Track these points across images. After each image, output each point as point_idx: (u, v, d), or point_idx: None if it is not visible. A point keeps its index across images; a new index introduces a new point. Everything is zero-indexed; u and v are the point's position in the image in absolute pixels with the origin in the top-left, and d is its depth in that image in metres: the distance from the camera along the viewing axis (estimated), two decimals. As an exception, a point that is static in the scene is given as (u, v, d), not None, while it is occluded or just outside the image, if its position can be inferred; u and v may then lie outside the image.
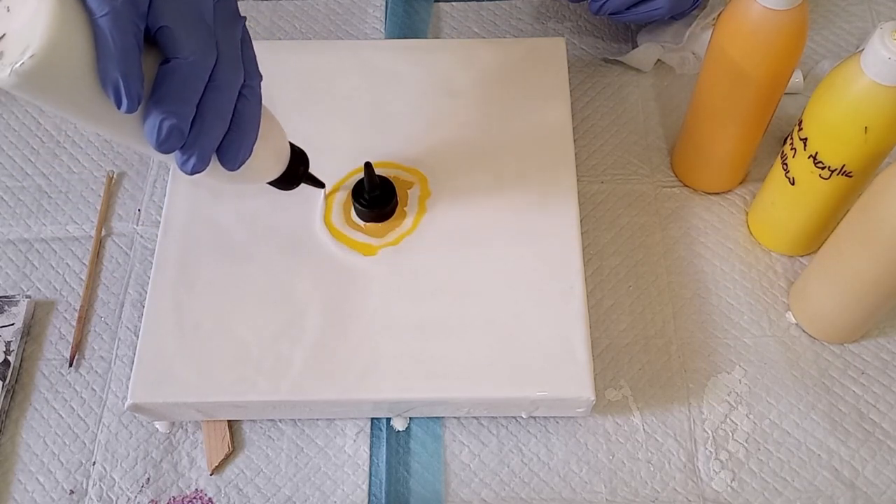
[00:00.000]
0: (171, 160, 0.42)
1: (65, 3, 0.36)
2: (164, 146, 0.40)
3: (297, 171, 0.53)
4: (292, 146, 0.52)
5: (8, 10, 0.37)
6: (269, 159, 0.50)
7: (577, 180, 0.61)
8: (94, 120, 0.40)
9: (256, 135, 0.45)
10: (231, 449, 0.57)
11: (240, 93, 0.42)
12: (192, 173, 0.42)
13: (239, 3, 0.78)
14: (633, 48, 0.73)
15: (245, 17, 0.44)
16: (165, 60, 0.39)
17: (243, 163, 0.44)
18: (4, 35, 0.36)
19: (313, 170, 0.55)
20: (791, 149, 0.56)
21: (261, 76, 0.45)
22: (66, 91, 0.38)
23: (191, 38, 0.39)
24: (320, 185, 0.57)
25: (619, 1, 0.65)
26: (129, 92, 0.37)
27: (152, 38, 0.39)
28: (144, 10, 0.38)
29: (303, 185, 0.55)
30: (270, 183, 0.52)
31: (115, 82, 0.37)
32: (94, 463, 0.57)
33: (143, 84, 0.38)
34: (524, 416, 0.57)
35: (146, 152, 0.43)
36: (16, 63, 0.35)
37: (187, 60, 0.39)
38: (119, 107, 0.38)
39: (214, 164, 0.44)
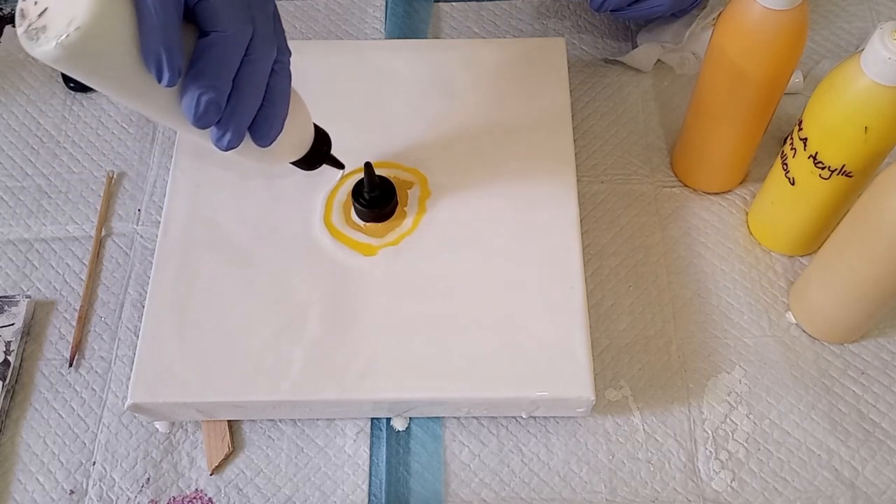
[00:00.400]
0: (205, 137, 0.42)
1: None
2: (201, 121, 0.40)
3: (320, 151, 0.53)
4: (315, 126, 0.52)
5: None
6: (296, 137, 0.50)
7: (577, 180, 0.61)
8: (132, 94, 0.40)
9: (287, 110, 0.45)
10: (231, 449, 0.57)
11: (272, 68, 0.43)
12: (227, 149, 0.42)
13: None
14: (633, 48, 0.73)
15: None
16: (203, 34, 0.39)
17: (275, 139, 0.44)
18: (46, 9, 0.36)
19: (316, 170, 0.55)
20: (791, 149, 0.56)
21: (290, 52, 0.45)
22: (107, 64, 0.38)
23: (230, 11, 0.39)
24: (340, 165, 0.56)
25: None
26: (170, 65, 0.37)
27: (190, 12, 0.39)
28: None
29: (316, 175, 0.55)
30: (294, 163, 0.52)
31: (158, 55, 0.37)
32: (94, 463, 0.57)
33: (184, 57, 0.38)
34: (524, 416, 0.57)
35: (181, 129, 0.43)
36: (61, 35, 0.35)
37: (226, 33, 0.39)
38: (160, 80, 0.38)
39: (246, 140, 0.44)
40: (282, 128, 0.45)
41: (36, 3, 0.36)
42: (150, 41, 0.37)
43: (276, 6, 0.44)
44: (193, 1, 0.39)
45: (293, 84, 0.47)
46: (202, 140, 0.44)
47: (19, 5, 0.37)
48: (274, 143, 0.45)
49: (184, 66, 0.38)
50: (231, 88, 0.41)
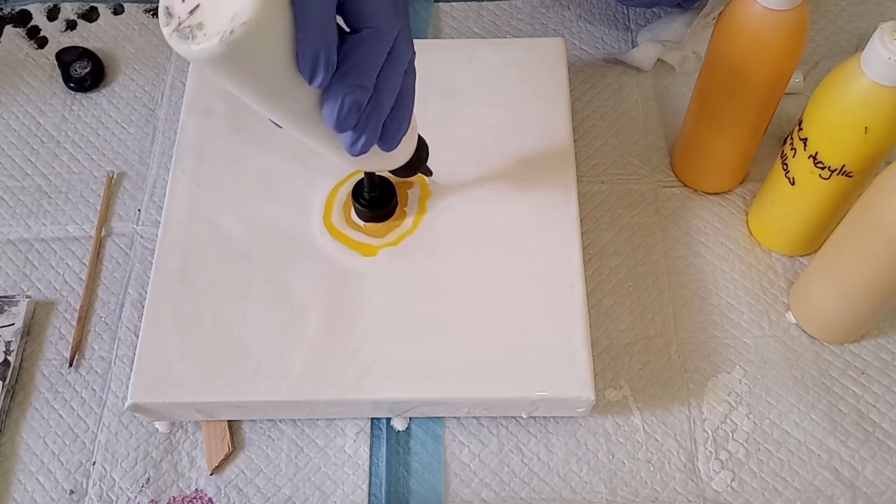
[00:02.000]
0: (328, 143, 0.40)
1: None
2: (342, 124, 0.38)
3: (420, 156, 0.51)
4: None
5: None
6: (409, 140, 0.48)
7: (577, 180, 0.61)
8: (274, 98, 0.38)
9: (412, 110, 0.43)
10: (231, 449, 0.57)
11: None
12: (360, 153, 0.40)
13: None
14: (633, 47, 0.73)
15: None
16: (354, 31, 0.38)
17: (400, 141, 0.42)
18: (198, 6, 0.34)
19: (316, 170, 0.55)
20: (791, 149, 0.56)
21: (415, 50, 0.43)
22: (261, 63, 0.36)
23: (381, 6, 0.38)
24: (429, 172, 0.55)
25: None
26: (327, 63, 0.36)
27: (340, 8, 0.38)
28: None
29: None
30: (392, 170, 0.51)
31: (316, 53, 0.35)
32: (94, 463, 0.57)
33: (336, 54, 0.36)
34: (524, 416, 0.57)
35: (307, 133, 0.40)
36: (225, 31, 0.33)
37: (379, 30, 0.37)
38: (313, 79, 0.36)
39: None
40: (407, 129, 0.43)
41: (194, 9, 0.34)
42: (308, 38, 0.35)
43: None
44: None
45: None
46: (327, 146, 0.41)
47: (162, 4, 0.35)
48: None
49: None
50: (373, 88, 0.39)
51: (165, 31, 0.34)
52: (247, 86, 0.37)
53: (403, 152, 0.49)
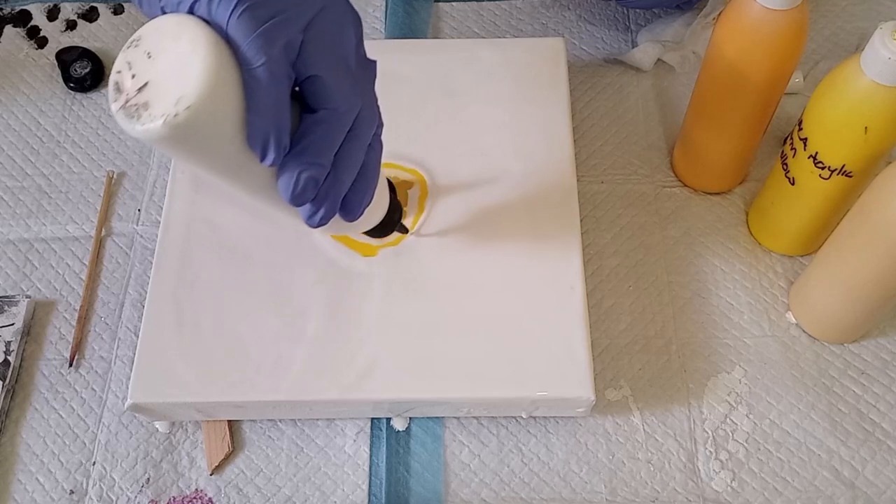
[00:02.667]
0: (292, 213, 0.40)
1: (218, 50, 0.34)
2: (298, 199, 0.38)
3: (392, 218, 0.51)
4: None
5: (149, 57, 0.34)
6: (376, 206, 0.48)
7: (577, 180, 0.61)
8: (227, 173, 0.38)
9: (376, 183, 0.43)
10: (231, 449, 0.57)
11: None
12: (319, 226, 0.40)
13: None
14: (633, 48, 0.73)
15: (376, 61, 0.42)
16: (311, 110, 0.37)
17: (364, 212, 0.42)
18: (147, 84, 0.34)
19: None
20: (791, 149, 0.56)
21: (383, 122, 0.43)
22: (211, 143, 0.35)
23: (340, 87, 0.37)
24: (405, 230, 0.57)
25: None
26: (277, 144, 0.36)
27: (297, 87, 0.37)
28: (294, 59, 0.36)
29: None
30: (364, 231, 0.51)
31: (265, 135, 0.35)
32: (94, 463, 0.57)
33: (290, 135, 0.36)
34: (524, 416, 0.57)
35: (269, 205, 0.40)
36: (169, 114, 0.33)
37: (337, 111, 0.37)
38: (264, 159, 0.36)
39: None
40: (370, 201, 0.42)
41: (134, 76, 0.34)
42: (259, 121, 0.35)
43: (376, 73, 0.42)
44: (303, 76, 0.37)
45: None
46: (287, 216, 0.41)
47: (112, 77, 0.35)
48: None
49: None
50: (331, 165, 0.39)
51: (113, 106, 0.34)
52: (198, 162, 0.37)
53: (371, 219, 0.49)
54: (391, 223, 0.52)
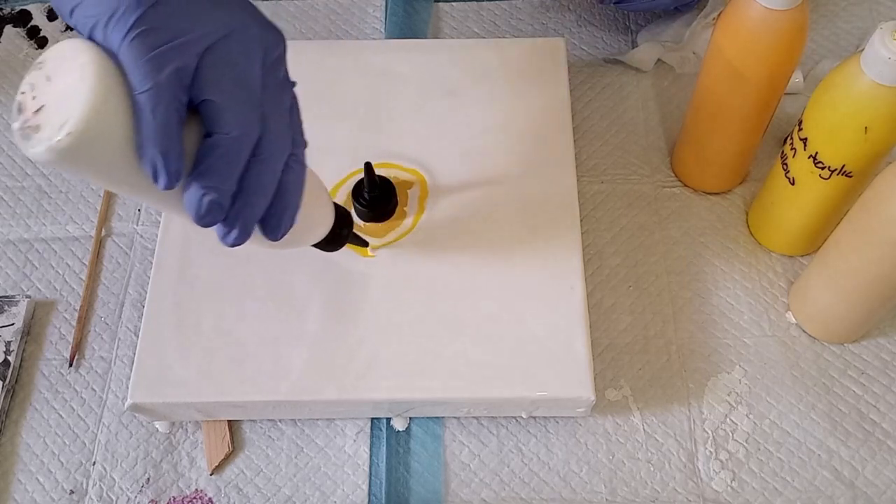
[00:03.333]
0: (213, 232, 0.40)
1: (106, 75, 0.34)
2: (203, 220, 0.38)
3: (339, 233, 0.51)
4: (336, 207, 0.51)
5: (48, 80, 0.35)
6: (312, 225, 0.48)
7: (577, 180, 0.61)
8: (134, 192, 0.38)
9: (299, 204, 0.42)
10: (231, 449, 0.57)
11: (286, 163, 0.40)
12: (233, 245, 0.40)
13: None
14: (634, 48, 0.73)
15: (295, 83, 0.42)
16: (208, 134, 0.38)
17: (286, 233, 0.42)
18: (42, 107, 0.34)
19: (316, 171, 0.54)
20: (791, 149, 0.56)
21: (306, 143, 0.42)
22: (103, 165, 0.36)
23: (234, 111, 0.37)
24: (364, 243, 0.56)
25: None
26: (167, 170, 0.36)
27: (195, 109, 0.38)
28: (188, 83, 0.36)
29: None
30: (314, 245, 0.51)
31: (153, 160, 0.35)
32: (94, 463, 0.57)
33: (184, 160, 0.36)
34: (524, 416, 0.57)
35: (186, 221, 0.40)
36: (52, 139, 0.33)
37: (229, 136, 0.37)
38: (157, 183, 0.36)
39: (256, 232, 0.41)
40: (293, 222, 0.42)
41: (34, 97, 0.34)
42: (146, 145, 0.35)
43: (294, 96, 0.42)
44: (198, 100, 0.37)
45: (315, 167, 0.45)
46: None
47: (18, 98, 0.35)
48: (286, 236, 0.43)
49: (185, 167, 0.36)
50: (238, 187, 0.38)
51: (14, 125, 0.35)
52: (101, 183, 0.38)
53: (309, 235, 0.49)
54: (339, 238, 0.51)
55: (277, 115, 0.40)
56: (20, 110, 0.35)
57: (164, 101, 0.35)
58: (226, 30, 0.37)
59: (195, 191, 0.37)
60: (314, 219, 0.48)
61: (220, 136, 0.37)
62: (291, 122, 0.41)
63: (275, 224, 0.41)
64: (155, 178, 0.36)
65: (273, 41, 0.40)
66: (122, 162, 0.36)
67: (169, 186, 0.36)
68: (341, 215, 0.51)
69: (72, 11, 0.37)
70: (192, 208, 0.38)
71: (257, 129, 0.38)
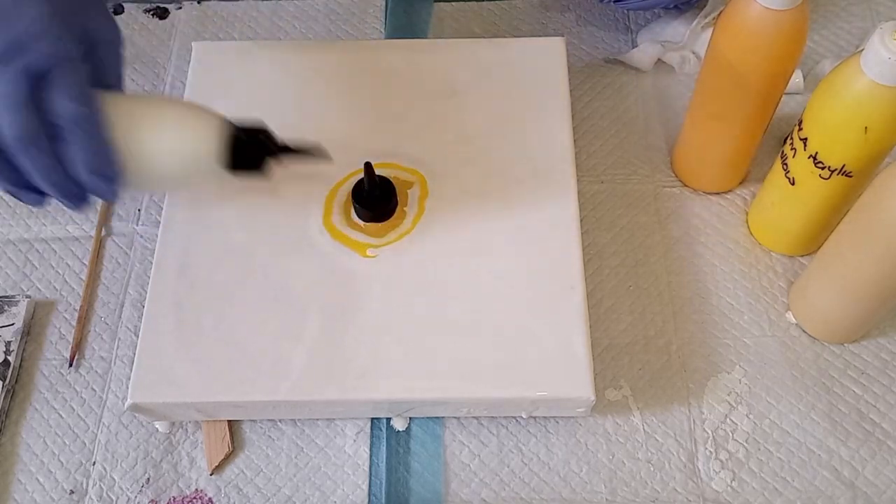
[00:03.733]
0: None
1: None
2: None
3: (253, 155, 0.46)
4: (238, 126, 0.46)
5: None
6: (168, 157, 0.45)
7: (577, 180, 0.61)
8: None
9: (105, 155, 0.43)
10: (231, 449, 0.57)
11: (58, 135, 0.42)
12: (35, 206, 0.45)
13: (239, 4, 0.78)
14: (634, 48, 0.73)
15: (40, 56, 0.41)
16: None
17: (114, 179, 0.43)
18: None
19: (316, 171, 0.54)
20: (791, 149, 0.56)
21: (92, 111, 0.43)
22: None
23: None
24: (321, 156, 0.49)
25: None
26: None
27: None
28: None
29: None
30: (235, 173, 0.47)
31: None
32: (94, 463, 0.57)
33: None
34: (524, 416, 0.57)
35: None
36: None
37: None
38: None
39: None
40: (114, 164, 0.43)
41: None
42: None
43: (69, 76, 0.42)
44: None
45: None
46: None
47: None
48: (138, 175, 0.44)
49: None
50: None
51: None
52: None
53: (174, 166, 0.45)
54: (253, 157, 0.46)
55: None
56: None
57: None
58: None
59: None
60: (167, 151, 0.45)
61: None
62: (55, 111, 0.42)
63: (95, 188, 0.44)
64: None
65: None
66: None
67: None
68: (248, 132, 0.46)
69: None
70: None
71: None
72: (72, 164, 0.43)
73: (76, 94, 0.42)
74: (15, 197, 0.44)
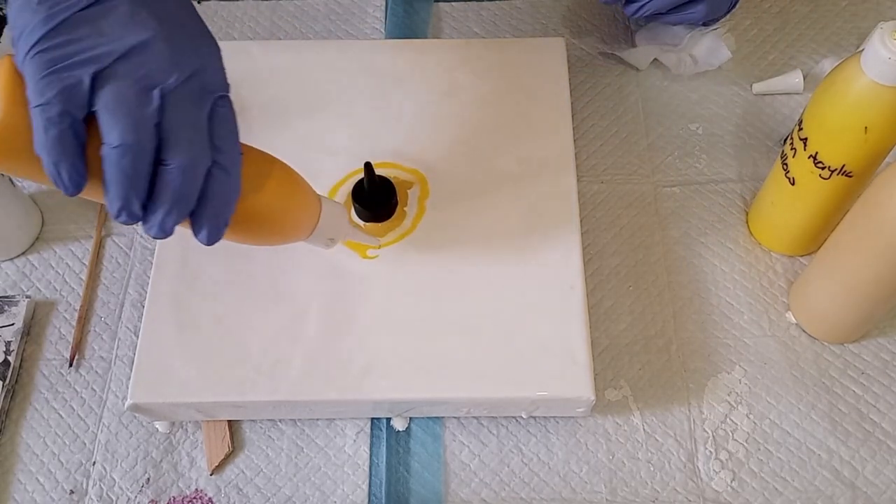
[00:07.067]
0: None
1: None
2: (119, 220, 0.40)
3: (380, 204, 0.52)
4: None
5: None
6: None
7: (577, 180, 0.61)
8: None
9: (227, 213, 0.43)
10: (231, 449, 0.57)
11: (209, 171, 0.41)
12: (156, 238, 0.42)
13: (239, 4, 0.78)
14: (632, 48, 0.73)
15: (222, 94, 0.42)
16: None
17: (215, 241, 0.43)
18: None
19: (316, 171, 0.54)
20: (791, 149, 0.56)
21: (239, 153, 0.43)
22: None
23: (119, 123, 0.38)
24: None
25: (659, 4, 0.63)
26: (62, 179, 0.38)
27: None
28: (83, 98, 0.38)
29: None
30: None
31: (50, 170, 0.38)
32: (94, 463, 0.57)
33: (83, 170, 0.38)
34: (524, 416, 0.57)
35: None
36: None
37: (112, 146, 0.38)
38: (62, 190, 0.38)
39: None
40: (223, 230, 0.43)
41: None
42: (42, 157, 0.37)
43: (226, 107, 0.43)
44: (93, 110, 0.38)
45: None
46: None
47: None
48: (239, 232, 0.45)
49: (85, 175, 0.38)
50: (149, 193, 0.40)
51: None
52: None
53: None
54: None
55: (185, 126, 0.40)
56: None
57: (51, 117, 0.37)
58: (128, 46, 0.39)
59: (106, 194, 0.39)
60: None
61: (105, 147, 0.38)
62: (213, 132, 0.42)
63: (200, 229, 0.42)
64: (57, 186, 0.38)
65: (186, 56, 0.41)
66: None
67: (70, 194, 0.38)
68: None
69: (10, 23, 0.40)
70: (108, 208, 0.40)
71: (149, 140, 0.39)
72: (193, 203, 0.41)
73: (236, 134, 0.43)
74: (59, 174, 0.39)
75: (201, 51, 0.42)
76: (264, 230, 0.47)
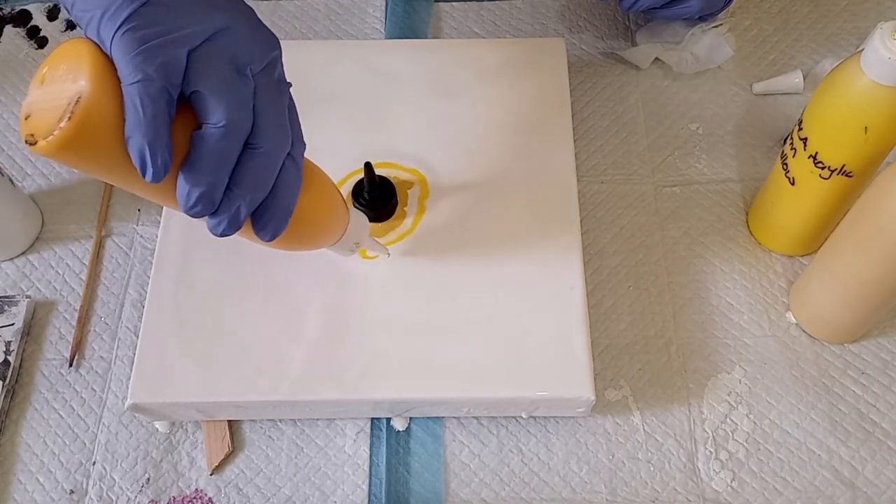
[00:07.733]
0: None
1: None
2: (192, 212, 0.39)
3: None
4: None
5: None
6: (320, 229, 0.48)
7: (577, 180, 0.61)
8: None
9: (293, 205, 0.42)
10: (231, 449, 0.57)
11: (283, 162, 0.41)
12: (221, 236, 0.40)
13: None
14: (633, 46, 0.73)
15: (291, 84, 0.42)
16: (199, 126, 0.38)
17: (277, 235, 0.42)
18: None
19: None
20: (791, 149, 0.56)
21: (304, 145, 0.43)
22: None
23: (223, 102, 0.38)
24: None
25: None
26: (154, 161, 0.36)
27: (188, 102, 0.38)
28: (179, 76, 0.37)
29: None
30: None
31: (141, 151, 0.36)
32: (94, 463, 0.57)
33: (171, 153, 0.37)
34: (524, 416, 0.57)
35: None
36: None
37: (216, 125, 0.37)
38: (144, 175, 0.37)
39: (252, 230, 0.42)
40: (285, 223, 0.42)
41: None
42: (134, 137, 0.36)
43: (291, 99, 0.42)
44: (188, 91, 0.37)
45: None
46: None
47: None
48: (291, 235, 0.43)
49: (172, 159, 0.37)
50: (229, 180, 0.39)
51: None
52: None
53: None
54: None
55: (273, 111, 0.40)
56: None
57: (151, 93, 0.36)
58: (216, 28, 0.38)
59: (185, 183, 0.38)
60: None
61: (208, 126, 0.38)
62: (291, 121, 0.42)
63: (266, 222, 0.41)
64: (143, 171, 0.37)
65: (266, 43, 0.41)
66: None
67: (156, 179, 0.37)
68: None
69: (72, 6, 0.38)
70: (181, 199, 0.38)
71: (248, 121, 0.39)
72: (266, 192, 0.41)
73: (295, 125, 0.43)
74: (150, 157, 0.38)
75: (273, 40, 0.42)
76: (305, 232, 0.46)
